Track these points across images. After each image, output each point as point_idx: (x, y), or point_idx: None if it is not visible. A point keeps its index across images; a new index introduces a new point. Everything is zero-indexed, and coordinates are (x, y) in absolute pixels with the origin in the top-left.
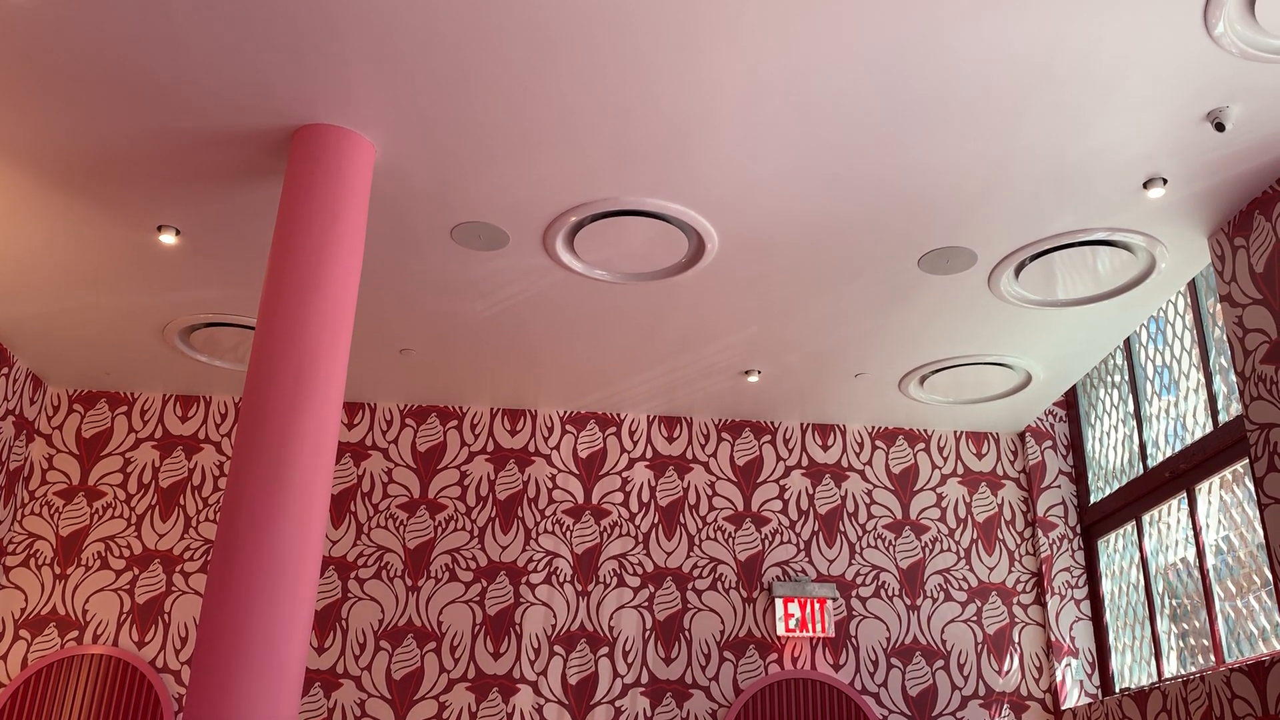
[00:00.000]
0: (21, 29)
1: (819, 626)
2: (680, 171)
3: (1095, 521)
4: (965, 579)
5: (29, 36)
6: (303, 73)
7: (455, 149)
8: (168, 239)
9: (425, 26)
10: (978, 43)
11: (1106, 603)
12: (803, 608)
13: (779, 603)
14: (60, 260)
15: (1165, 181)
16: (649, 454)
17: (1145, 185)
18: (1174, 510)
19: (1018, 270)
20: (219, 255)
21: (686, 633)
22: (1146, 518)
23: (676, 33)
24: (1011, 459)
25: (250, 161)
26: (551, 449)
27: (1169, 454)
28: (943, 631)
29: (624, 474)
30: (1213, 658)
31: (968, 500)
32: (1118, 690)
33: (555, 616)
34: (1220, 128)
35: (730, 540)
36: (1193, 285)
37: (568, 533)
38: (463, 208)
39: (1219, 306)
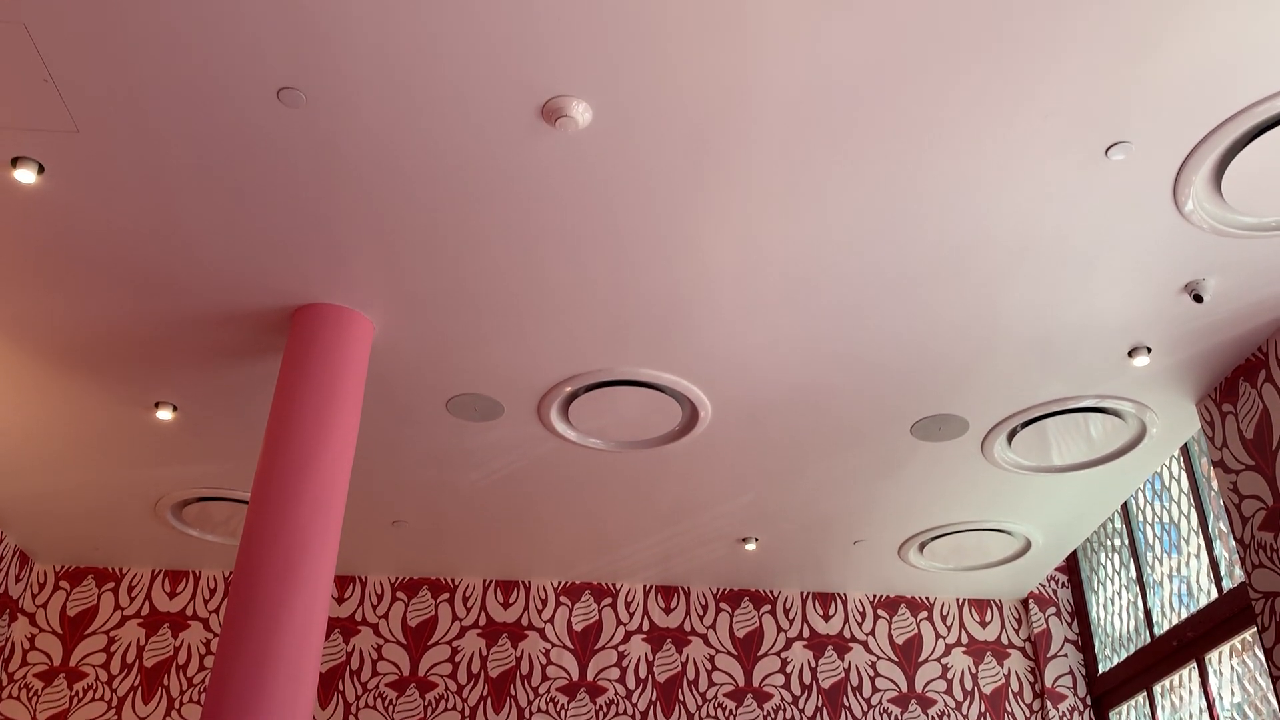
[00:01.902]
0: (26, 211)
1: None
2: (672, 343)
3: (1105, 692)
4: None
5: (33, 218)
6: (303, 255)
7: (452, 325)
8: (165, 415)
9: (423, 210)
10: (958, 222)
11: None
12: None
13: None
14: (56, 437)
15: (1149, 350)
16: (646, 626)
17: (1130, 354)
18: (1186, 681)
19: (1010, 436)
20: (215, 431)
21: None
22: (1158, 688)
23: (668, 212)
24: (1016, 627)
25: (249, 340)
26: (545, 622)
27: (1175, 621)
28: None
29: (620, 648)
30: None
31: (973, 671)
32: None
33: None
34: (1199, 299)
35: (731, 718)
36: (1186, 449)
37: (562, 711)
38: (458, 380)
39: (1214, 471)
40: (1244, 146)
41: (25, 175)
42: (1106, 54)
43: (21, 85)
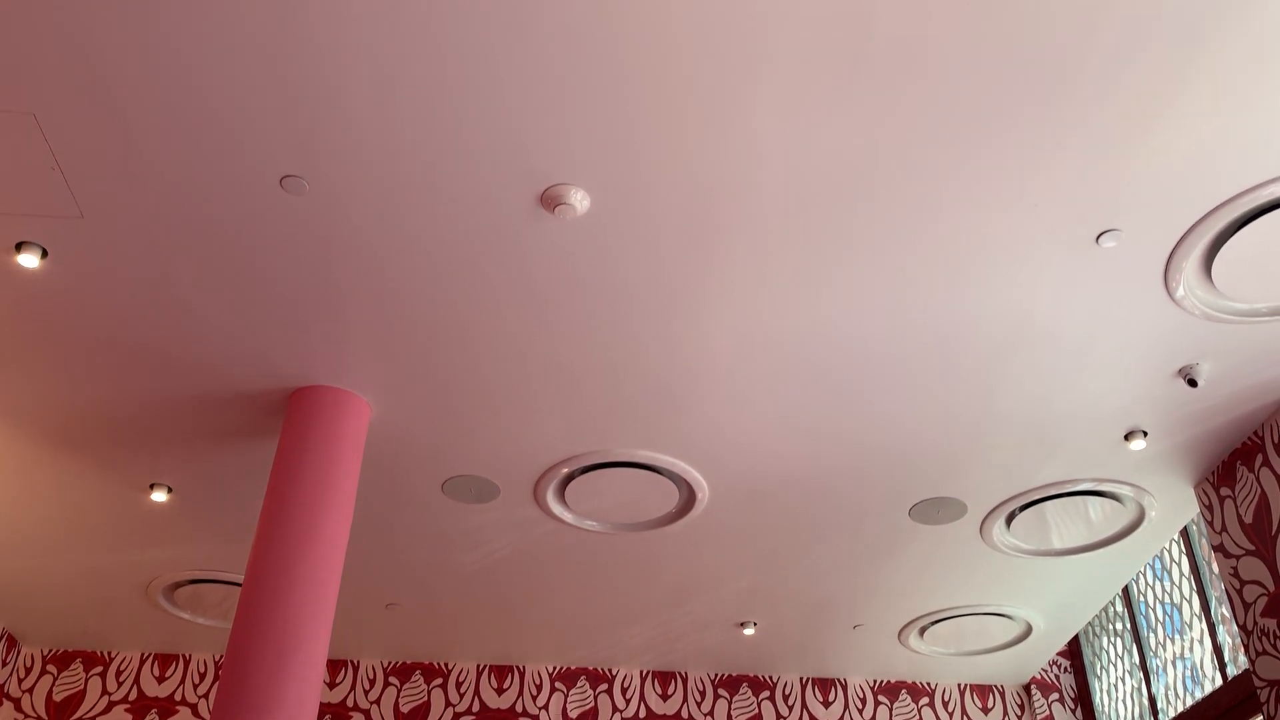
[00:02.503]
0: (28, 294)
1: None
2: (669, 426)
3: None
4: None
5: (34, 301)
6: (302, 338)
7: (449, 406)
8: (159, 497)
9: (422, 293)
10: (953, 307)
11: None
12: None
13: None
14: (49, 519)
15: (1145, 434)
16: (643, 712)
17: (1126, 438)
18: None
19: (1009, 520)
20: (209, 512)
21: None
22: None
23: (665, 296)
24: (1019, 713)
25: (246, 422)
26: (540, 708)
27: (1180, 709)
28: None
29: None
30: None
31: None
32: None
33: None
34: (1193, 384)
35: None
36: (1186, 532)
37: None
38: (455, 462)
39: (1214, 555)
40: (1232, 234)
41: (29, 260)
42: (1095, 145)
43: (28, 172)
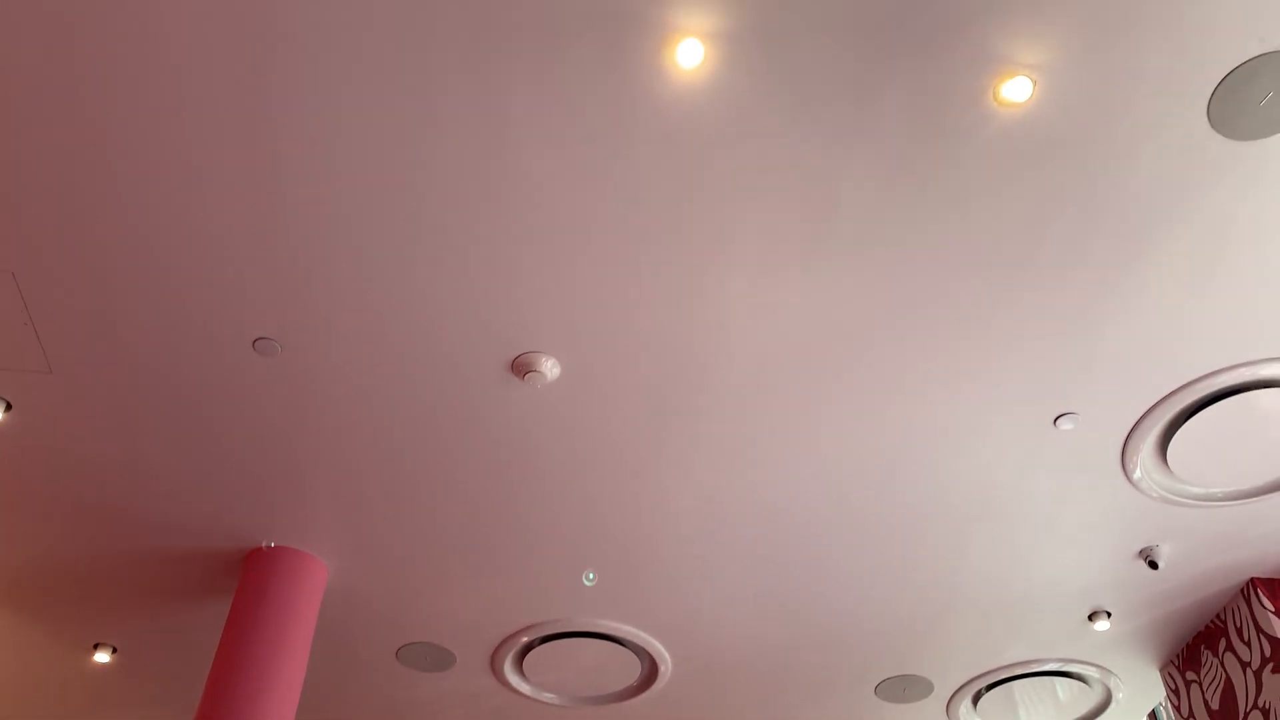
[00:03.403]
0: None
1: None
2: (632, 595)
3: None
4: None
5: None
6: (264, 498)
7: (408, 572)
8: (103, 657)
9: (389, 456)
10: (915, 486)
11: None
12: None
13: None
14: None
15: (1109, 615)
16: None
17: (1090, 618)
18: None
19: (975, 699)
20: (155, 674)
21: None
22: None
23: (631, 465)
24: None
25: (199, 581)
26: None
27: None
28: None
29: None
30: None
31: None
32: None
33: None
34: (1154, 565)
35: None
36: (1155, 716)
37: None
38: (411, 628)
39: None
40: (1186, 420)
41: None
42: (1050, 332)
43: (1, 327)
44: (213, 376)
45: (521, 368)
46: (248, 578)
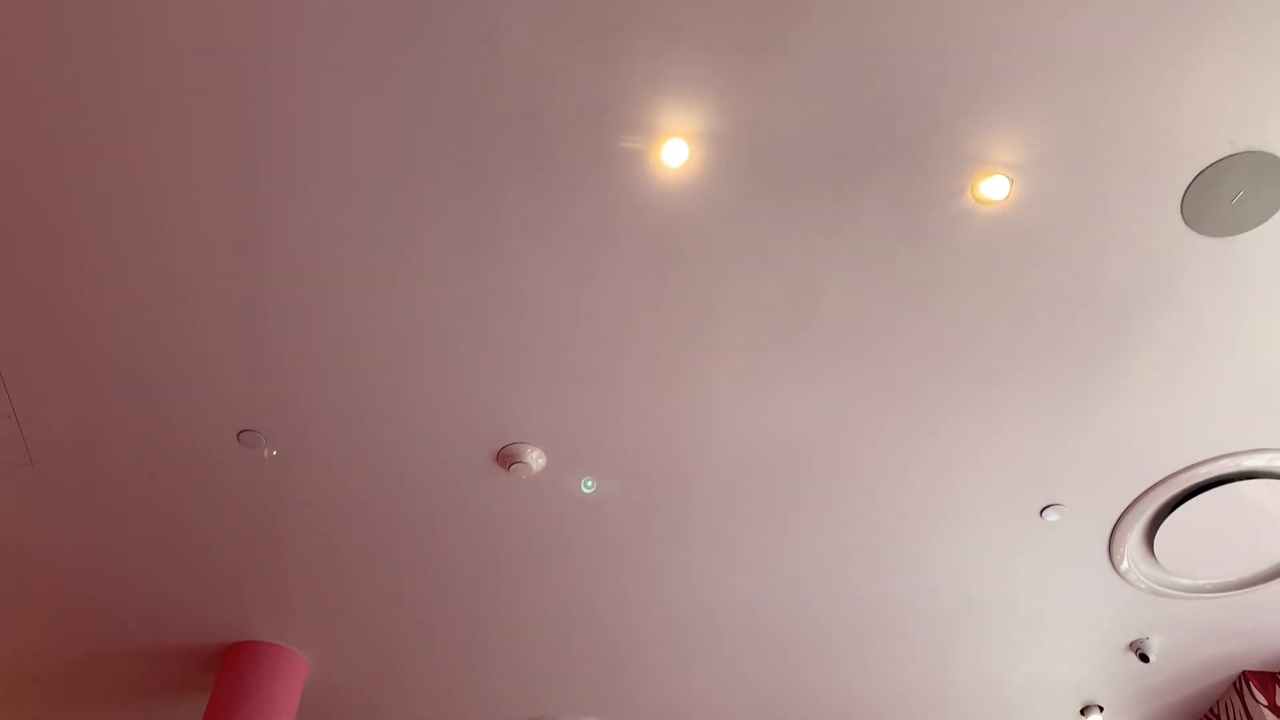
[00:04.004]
0: None
1: None
2: (618, 688)
3: None
4: None
5: None
6: (244, 592)
7: (390, 666)
8: None
9: (371, 550)
10: (904, 579)
11: None
12: None
13: None
14: None
15: (1102, 709)
16: None
17: (1083, 712)
18: None
19: None
20: None
21: None
22: None
23: (616, 558)
24: None
25: (176, 676)
26: None
27: None
28: None
29: None
30: None
31: None
32: None
33: None
34: (1144, 658)
35: None
36: None
37: None
38: None
39: None
40: (1171, 512)
41: None
42: (1035, 424)
43: None
44: (196, 469)
45: (507, 459)
46: (226, 673)
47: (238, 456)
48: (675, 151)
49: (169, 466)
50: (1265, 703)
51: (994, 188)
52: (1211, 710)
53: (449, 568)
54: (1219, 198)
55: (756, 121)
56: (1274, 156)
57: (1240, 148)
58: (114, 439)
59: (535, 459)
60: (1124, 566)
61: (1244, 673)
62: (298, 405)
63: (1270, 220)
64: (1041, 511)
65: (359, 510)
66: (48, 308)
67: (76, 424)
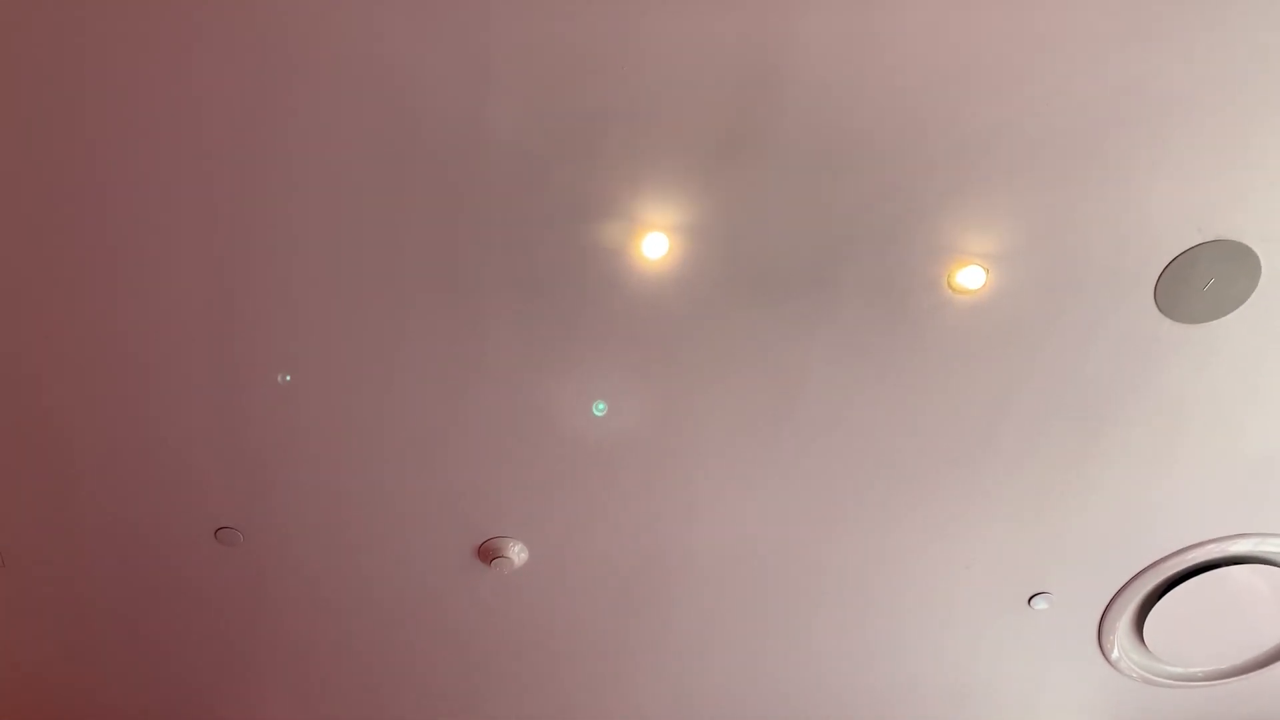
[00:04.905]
0: None
1: None
2: None
3: None
4: None
5: None
6: (216, 694)
7: None
8: None
9: (350, 650)
10: (890, 673)
11: None
12: None
13: None
14: None
15: None
16: None
17: None
18: None
19: None
20: None
21: None
22: None
23: (599, 655)
24: None
25: None
26: None
27: None
28: None
29: None
30: None
31: None
32: None
33: None
34: None
35: None
36: None
37: None
38: None
39: None
40: (1160, 598)
41: None
42: (1019, 513)
43: None
44: (172, 569)
45: (488, 553)
46: None
47: (214, 554)
48: (655, 245)
49: (144, 566)
50: None
51: (970, 277)
52: None
53: (428, 667)
54: (1191, 285)
55: (735, 214)
56: (1242, 245)
57: (1210, 236)
58: (89, 539)
59: (517, 553)
60: (1114, 655)
61: None
62: (276, 501)
63: (1242, 306)
64: (1029, 600)
65: (337, 608)
66: (18, 405)
67: (52, 524)
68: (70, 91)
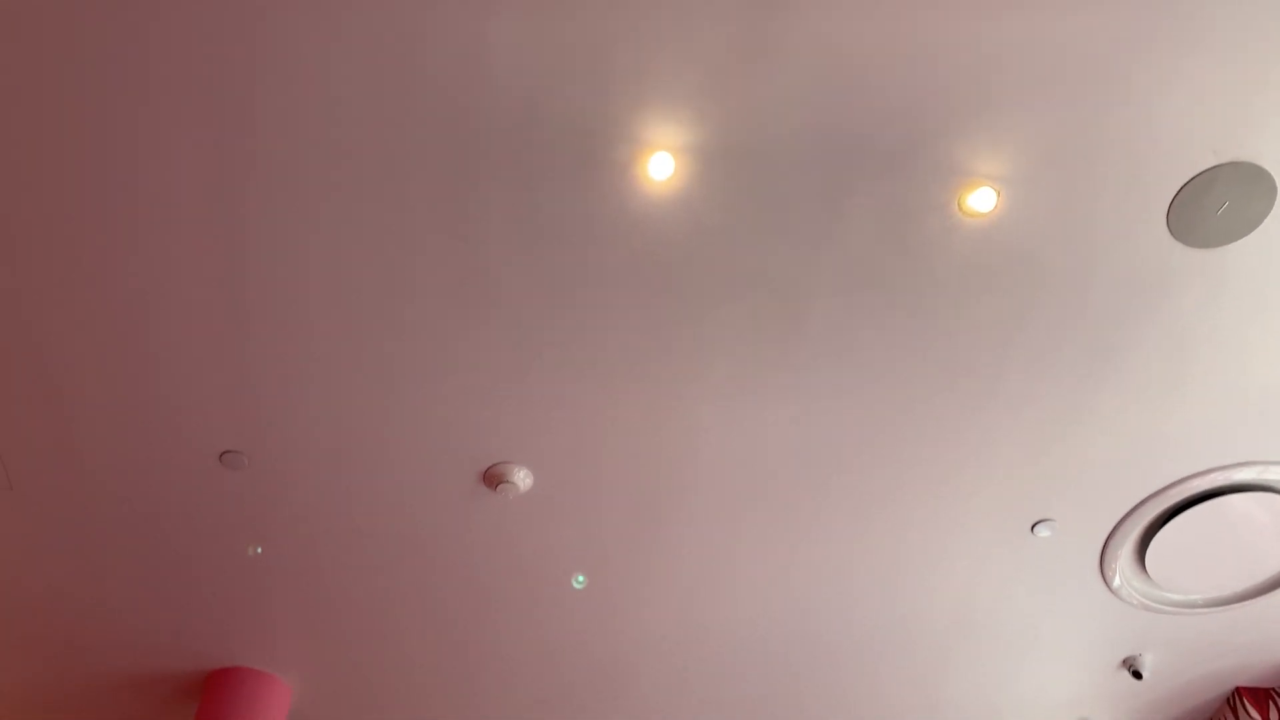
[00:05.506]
0: None
1: None
2: (609, 714)
3: None
4: None
5: None
6: (226, 618)
7: (376, 693)
8: None
9: (356, 573)
10: (895, 600)
11: None
12: None
13: None
14: None
15: None
16: None
17: None
18: None
19: None
20: None
21: None
22: None
23: (607, 577)
24: None
25: (158, 704)
26: None
27: None
28: None
29: None
30: None
31: None
32: None
33: None
34: (1138, 675)
35: None
36: None
37: None
38: None
39: None
40: (1162, 526)
41: None
42: (1024, 440)
43: None
44: (178, 492)
45: (494, 479)
46: (208, 700)
47: (220, 478)
48: (661, 165)
49: (150, 489)
50: (1259, 718)
51: (981, 200)
52: None
53: (434, 593)
54: (1205, 209)
55: (742, 134)
56: (1258, 167)
57: (1225, 158)
58: (95, 463)
59: (522, 479)
60: (1116, 583)
61: (1237, 688)
62: (281, 425)
63: (1255, 230)
64: (1033, 527)
65: (343, 533)
66: (23, 330)
67: (58, 449)
68: None
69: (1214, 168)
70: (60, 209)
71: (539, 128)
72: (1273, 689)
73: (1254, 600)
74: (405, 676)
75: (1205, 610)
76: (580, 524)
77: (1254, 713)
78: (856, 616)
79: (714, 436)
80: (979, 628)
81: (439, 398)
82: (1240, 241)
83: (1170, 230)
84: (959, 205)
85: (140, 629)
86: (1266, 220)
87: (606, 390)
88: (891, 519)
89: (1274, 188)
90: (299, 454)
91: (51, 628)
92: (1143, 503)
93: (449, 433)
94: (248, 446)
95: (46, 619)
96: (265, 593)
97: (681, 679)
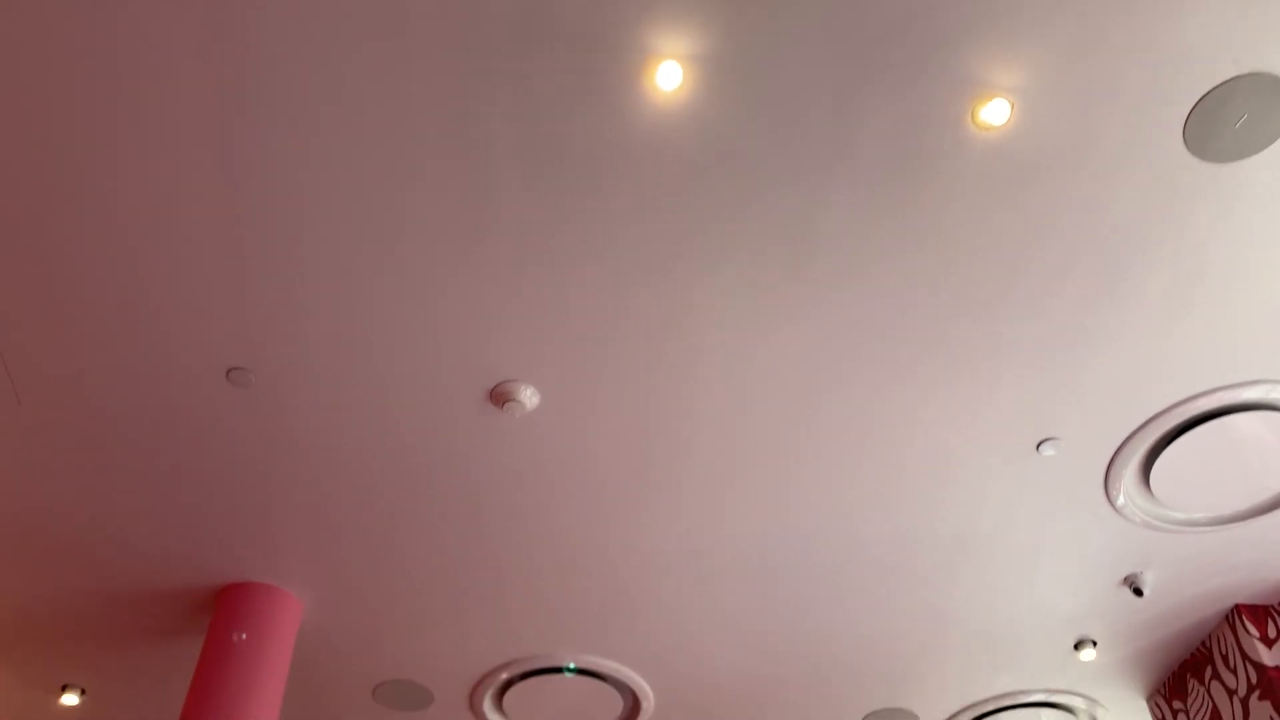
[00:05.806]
0: None
1: None
2: (613, 630)
3: None
4: None
5: None
6: (236, 533)
7: (385, 608)
8: (71, 699)
9: (365, 490)
10: (899, 518)
11: None
12: None
13: None
14: None
15: (1095, 644)
16: None
17: (1076, 647)
18: None
19: None
20: (125, 716)
21: None
22: None
23: (611, 500)
24: None
25: (170, 619)
26: None
27: None
28: None
29: None
30: None
31: None
32: None
33: None
34: (1138, 593)
35: None
36: None
37: None
38: (387, 666)
39: None
40: (1167, 445)
41: None
42: (1033, 358)
43: None
44: (184, 408)
45: (500, 397)
46: (220, 615)
47: (227, 395)
48: (669, 74)
49: (158, 406)
50: (1257, 635)
51: (994, 112)
52: (1204, 643)
53: (441, 509)
54: (1223, 122)
55: (751, 43)
56: (1279, 79)
57: (1246, 69)
58: (105, 378)
59: (529, 397)
60: (1120, 501)
61: (1237, 606)
62: (287, 343)
63: (1274, 145)
64: (1038, 446)
65: (350, 450)
66: (30, 245)
67: (66, 362)
68: None
69: (1233, 79)
70: (65, 125)
71: (542, 32)
72: (1272, 606)
73: (1257, 519)
74: (412, 589)
75: (1208, 529)
76: (587, 440)
77: (1253, 629)
78: (859, 533)
79: (719, 352)
80: (982, 546)
81: (443, 316)
82: (1256, 156)
83: (1186, 144)
84: (972, 118)
85: (152, 545)
86: None
87: (613, 311)
88: (897, 435)
89: None
90: (305, 372)
91: (63, 542)
92: (1149, 421)
93: (456, 351)
94: (254, 364)
95: (58, 535)
96: (274, 508)
97: (684, 598)
